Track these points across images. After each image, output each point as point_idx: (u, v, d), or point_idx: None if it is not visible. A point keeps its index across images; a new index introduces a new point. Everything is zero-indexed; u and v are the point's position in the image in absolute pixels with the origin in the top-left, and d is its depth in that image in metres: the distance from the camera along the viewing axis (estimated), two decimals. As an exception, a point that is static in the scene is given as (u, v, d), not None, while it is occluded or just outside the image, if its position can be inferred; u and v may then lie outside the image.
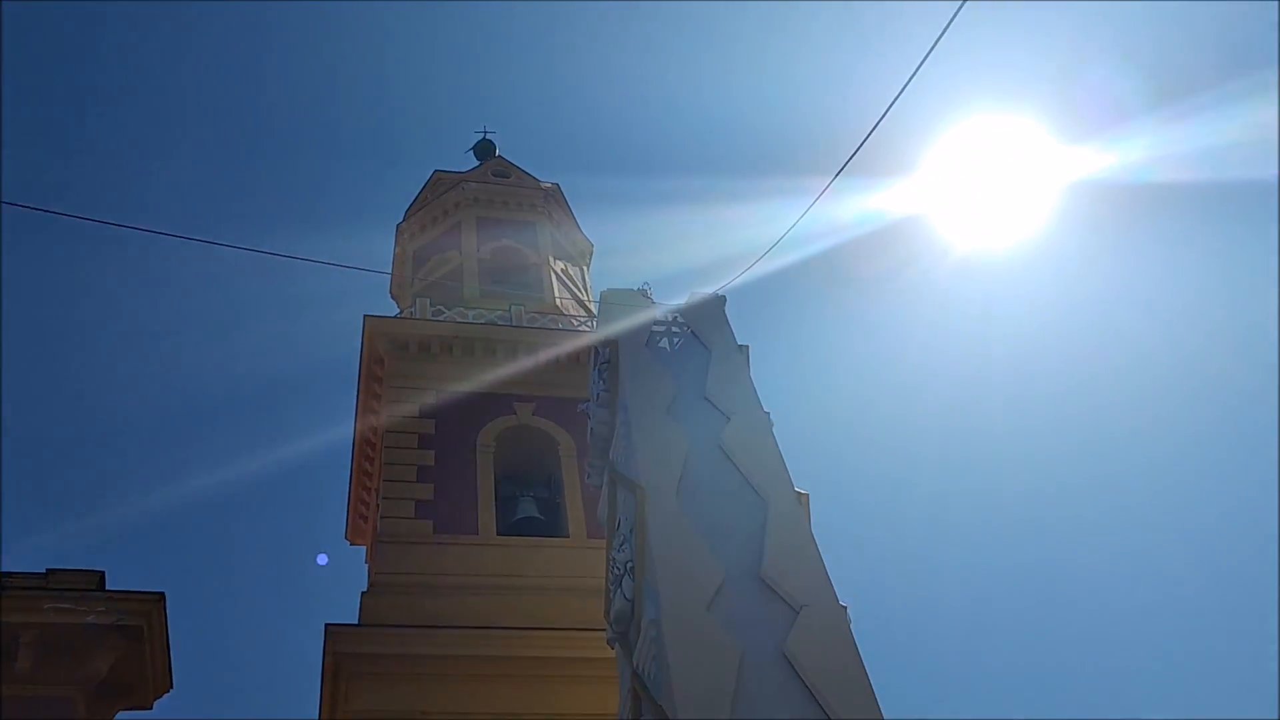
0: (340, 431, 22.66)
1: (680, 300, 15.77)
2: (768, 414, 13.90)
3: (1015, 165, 26.69)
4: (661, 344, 15.25)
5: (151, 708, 14.38)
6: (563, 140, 54.93)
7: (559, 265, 26.77)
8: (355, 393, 21.76)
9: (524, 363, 21.37)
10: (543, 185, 29.07)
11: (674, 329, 15.43)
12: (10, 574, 13.86)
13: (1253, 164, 23.69)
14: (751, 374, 14.88)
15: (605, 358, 15.00)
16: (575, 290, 26.46)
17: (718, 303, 15.75)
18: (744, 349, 15.50)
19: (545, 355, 21.53)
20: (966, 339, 45.89)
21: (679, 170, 49.90)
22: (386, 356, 21.25)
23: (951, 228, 28.14)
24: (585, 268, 28.31)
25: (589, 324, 22.85)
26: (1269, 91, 22.20)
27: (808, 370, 42.32)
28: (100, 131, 51.28)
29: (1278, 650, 29.14)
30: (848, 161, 10.62)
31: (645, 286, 16.70)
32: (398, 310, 25.38)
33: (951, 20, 8.32)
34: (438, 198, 28.56)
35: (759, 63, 54.72)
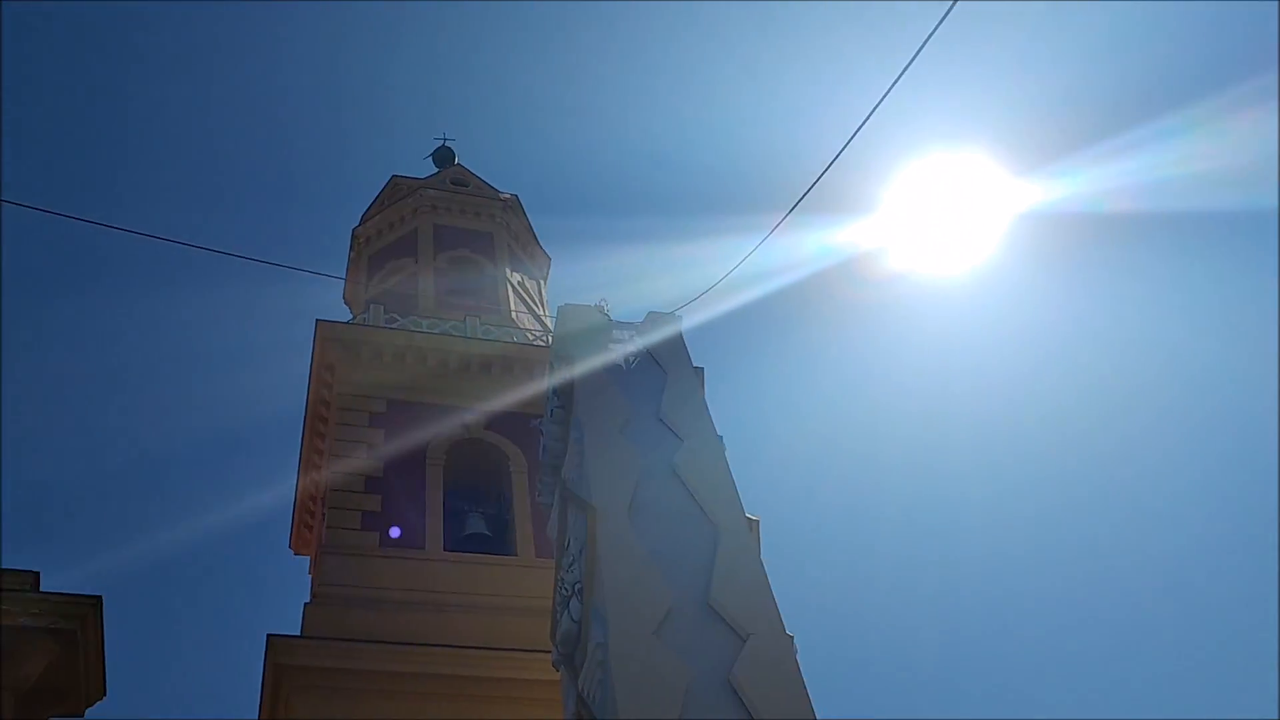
0: (289, 438, 22.52)
1: (638, 321, 15.79)
2: (721, 438, 13.97)
3: (969, 199, 27.20)
4: (618, 363, 15.26)
5: (83, 715, 14.12)
6: (518, 176, 55.20)
7: (516, 278, 26.72)
8: (304, 399, 21.59)
9: (477, 375, 21.32)
10: (502, 196, 28.98)
11: (631, 349, 15.46)
12: (-59, 571, 13.58)
13: (1195, 195, 24.61)
14: (706, 397, 14.97)
15: (561, 375, 15.00)
16: (531, 304, 26.41)
17: (675, 324, 15.79)
18: (699, 371, 15.56)
19: (499, 368, 21.51)
20: (925, 368, 46.82)
21: (636, 207, 50.42)
22: (337, 363, 21.04)
23: (909, 261, 28.62)
24: (542, 281, 28.27)
25: (544, 339, 22.81)
26: (1211, 125, 22.90)
27: (769, 401, 43.08)
28: (36, 126, 50.69)
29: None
30: (804, 195, 10.80)
31: (602, 302, 16.73)
32: (350, 316, 25.23)
33: (908, 64, 8.51)
34: (395, 203, 28.40)
35: (715, 100, 55.66)
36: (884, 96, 8.97)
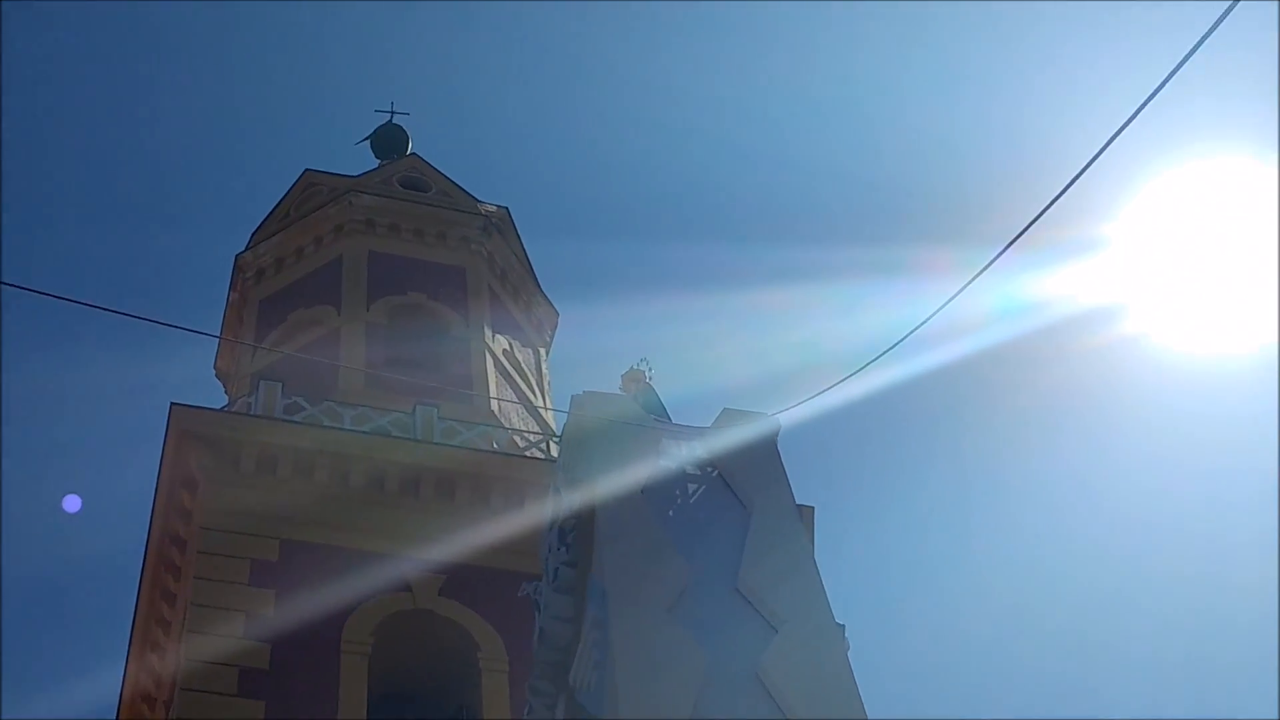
0: (120, 596, 22.44)
1: (706, 424, 15.64)
2: (842, 627, 13.74)
3: (1252, 229, 27.14)
4: (672, 492, 15.09)
5: None
6: (508, 180, 56.81)
7: (501, 342, 26.75)
8: (145, 540, 21.55)
9: (430, 503, 21.29)
10: (483, 208, 29.15)
11: (693, 469, 15.29)
12: None
13: None
14: (818, 554, 14.78)
15: (573, 508, 14.84)
16: (524, 386, 26.42)
17: (767, 432, 15.62)
18: (807, 512, 15.39)
19: (467, 493, 21.45)
20: (1172, 493, 46.97)
21: (691, 232, 51.79)
22: (202, 477, 21.01)
23: (1153, 325, 28.55)
24: (543, 350, 28.34)
25: (545, 445, 22.75)
26: None
27: (907, 548, 42.96)
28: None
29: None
30: (1032, 223, 10.49)
31: (643, 365, 16.85)
32: (225, 398, 25.20)
33: (1187, 57, 8.31)
34: (307, 214, 28.57)
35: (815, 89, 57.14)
36: (1155, 93, 8.73)
